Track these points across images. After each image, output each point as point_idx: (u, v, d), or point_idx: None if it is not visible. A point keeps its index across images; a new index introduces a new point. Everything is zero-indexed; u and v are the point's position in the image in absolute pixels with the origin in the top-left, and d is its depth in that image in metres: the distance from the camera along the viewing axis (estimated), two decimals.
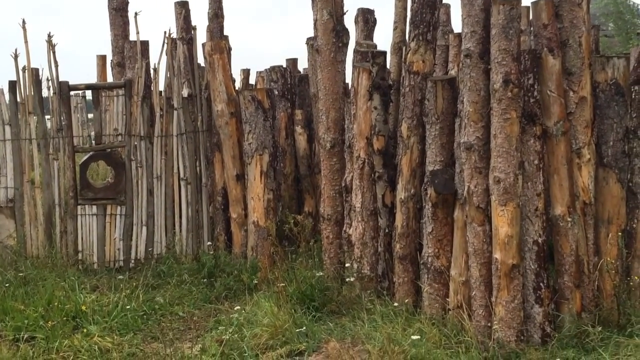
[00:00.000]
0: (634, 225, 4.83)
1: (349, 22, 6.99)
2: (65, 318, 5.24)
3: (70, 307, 5.37)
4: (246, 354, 4.62)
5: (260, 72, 8.94)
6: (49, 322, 5.07)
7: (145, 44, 7.34)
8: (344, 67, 6.15)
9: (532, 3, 4.73)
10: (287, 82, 7.84)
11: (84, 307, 5.38)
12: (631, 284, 4.75)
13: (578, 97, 4.66)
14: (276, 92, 7.59)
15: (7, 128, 7.05)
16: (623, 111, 4.76)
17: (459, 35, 5.23)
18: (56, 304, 5.38)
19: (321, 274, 5.75)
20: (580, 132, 4.69)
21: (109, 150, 7.13)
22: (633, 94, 4.80)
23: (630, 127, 4.79)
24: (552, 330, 4.61)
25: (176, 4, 7.64)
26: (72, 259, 6.86)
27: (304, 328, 4.90)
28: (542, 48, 4.64)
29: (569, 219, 4.65)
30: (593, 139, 4.72)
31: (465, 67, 4.70)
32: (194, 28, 7.41)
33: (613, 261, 4.71)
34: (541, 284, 4.61)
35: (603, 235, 4.81)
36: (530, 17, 4.92)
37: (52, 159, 7.08)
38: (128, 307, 5.47)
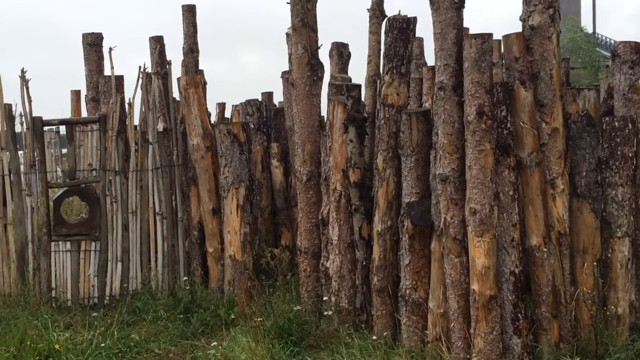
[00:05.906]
0: (609, 255, 4.88)
1: (324, 56, 7.04)
2: (38, 357, 5.12)
3: (43, 346, 5.26)
4: None
5: (235, 106, 8.96)
6: None
7: (119, 79, 7.33)
8: (319, 101, 6.19)
9: (503, 36, 4.81)
10: (263, 116, 7.86)
11: (57, 346, 5.27)
12: (608, 313, 4.77)
13: (550, 129, 4.72)
14: (252, 126, 7.60)
15: None
16: (595, 142, 4.83)
17: (432, 68, 5.29)
18: (29, 343, 5.26)
19: (299, 307, 5.71)
20: (554, 162, 4.74)
21: (83, 185, 7.07)
22: (604, 125, 4.89)
23: (602, 157, 4.86)
24: None
25: (151, 39, 7.66)
26: (45, 296, 6.74)
27: None
28: (514, 80, 4.71)
29: (545, 249, 4.68)
30: (566, 170, 4.78)
31: (439, 99, 4.75)
32: (169, 62, 7.43)
33: (589, 291, 4.73)
34: (519, 315, 4.62)
35: (579, 265, 4.84)
36: (502, 50, 5.00)
37: (25, 194, 6.99)
38: (102, 345, 5.37)
